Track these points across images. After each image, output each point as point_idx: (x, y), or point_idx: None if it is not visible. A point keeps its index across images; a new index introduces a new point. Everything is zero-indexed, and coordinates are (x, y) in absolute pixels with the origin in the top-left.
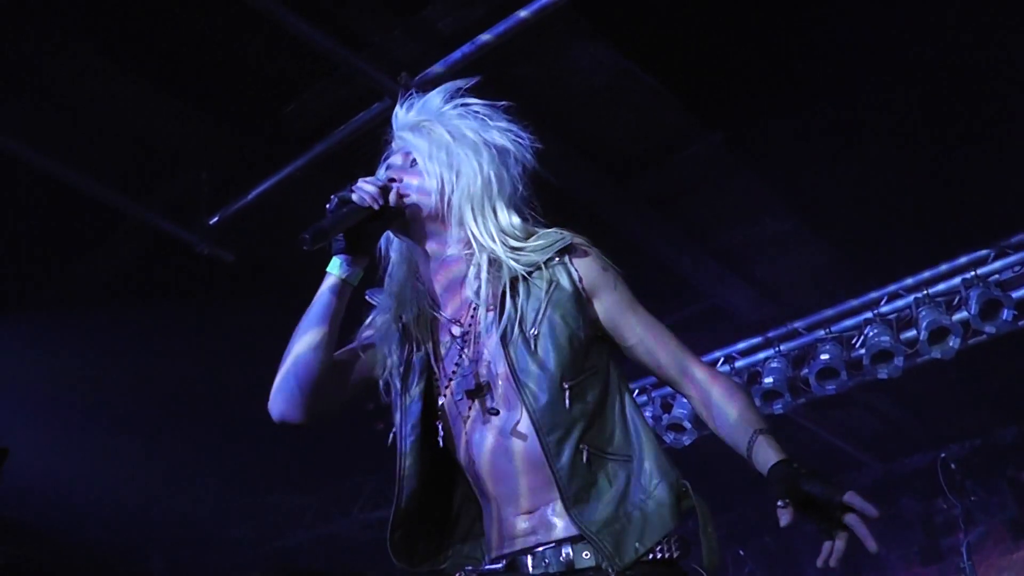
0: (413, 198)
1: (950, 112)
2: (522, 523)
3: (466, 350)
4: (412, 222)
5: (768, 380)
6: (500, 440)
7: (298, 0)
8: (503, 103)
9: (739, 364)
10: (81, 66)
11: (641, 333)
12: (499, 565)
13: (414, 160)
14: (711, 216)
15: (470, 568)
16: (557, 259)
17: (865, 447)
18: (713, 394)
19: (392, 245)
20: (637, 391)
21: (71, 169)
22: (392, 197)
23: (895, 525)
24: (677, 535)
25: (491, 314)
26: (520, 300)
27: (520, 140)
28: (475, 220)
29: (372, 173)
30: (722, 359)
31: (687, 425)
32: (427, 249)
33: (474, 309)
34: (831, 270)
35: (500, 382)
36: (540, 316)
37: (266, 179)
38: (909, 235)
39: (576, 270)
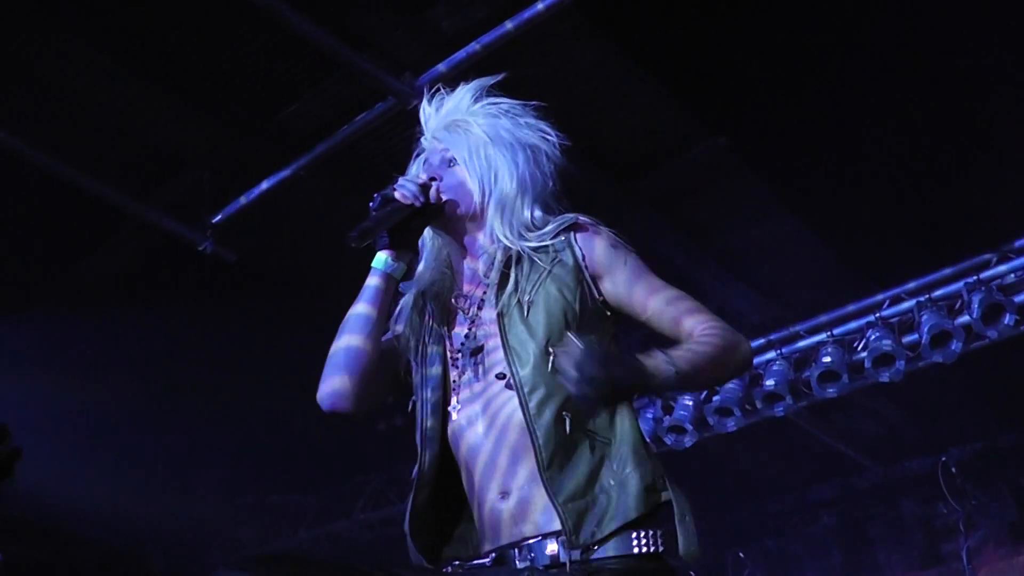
0: (452, 196)
1: (954, 115)
2: (505, 511)
3: (473, 325)
4: (450, 219)
5: (769, 382)
6: (487, 408)
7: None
8: (532, 103)
9: None
10: (84, 65)
11: (653, 305)
12: (487, 560)
13: (452, 159)
14: (714, 218)
15: (457, 563)
16: (563, 237)
17: (866, 450)
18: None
19: (427, 236)
20: None
21: (74, 168)
22: (432, 194)
23: (895, 529)
24: (664, 530)
25: (495, 288)
26: (521, 273)
27: (549, 137)
28: (503, 218)
29: (374, 173)
30: None
31: (688, 427)
32: (461, 242)
33: (484, 288)
34: (833, 273)
35: (494, 350)
36: (536, 287)
37: (268, 178)
38: (912, 238)
39: (580, 248)
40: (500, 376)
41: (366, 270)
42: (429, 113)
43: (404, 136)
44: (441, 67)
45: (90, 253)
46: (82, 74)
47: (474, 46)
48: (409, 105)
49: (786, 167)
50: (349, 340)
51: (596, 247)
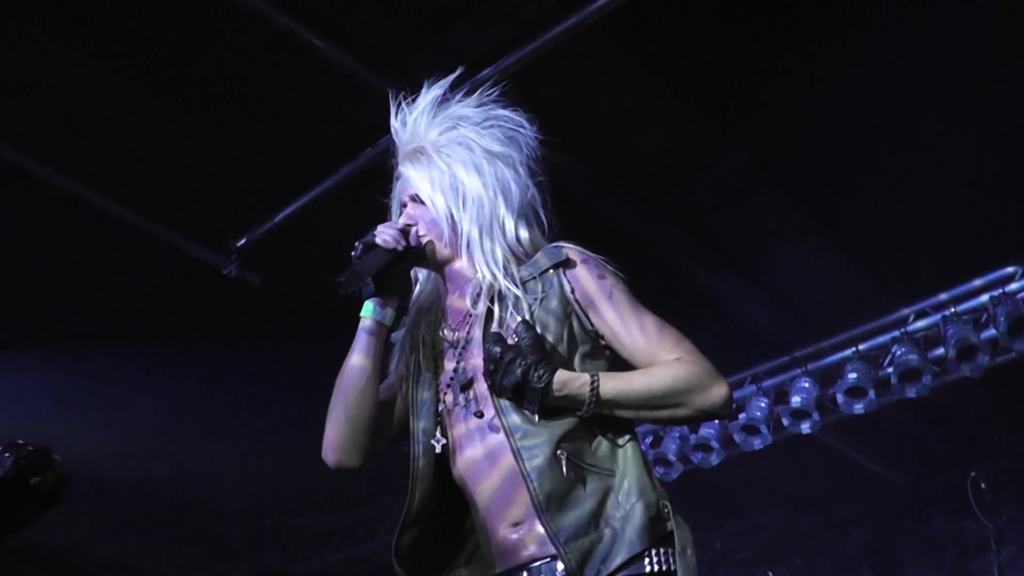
0: (431, 235)
1: (977, 131)
2: (512, 536)
3: (462, 359)
4: (433, 257)
5: (796, 400)
6: (482, 445)
7: (325, 23)
8: (492, 91)
9: (766, 384)
10: (110, 90)
11: (633, 339)
12: None
13: (418, 195)
14: (737, 234)
15: None
16: (552, 271)
17: (894, 467)
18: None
19: (418, 272)
20: None
21: (98, 193)
22: (413, 238)
23: (925, 545)
24: (679, 554)
25: (482, 322)
26: (506, 310)
27: (520, 131)
28: (481, 248)
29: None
30: (749, 379)
31: (715, 445)
32: (445, 274)
33: (471, 320)
34: (858, 288)
35: (481, 386)
36: (521, 318)
37: (293, 202)
38: (936, 252)
39: (569, 281)
40: (478, 415)
41: None
42: (396, 130)
43: None
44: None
45: (115, 278)
46: (107, 98)
47: (494, 68)
48: None
49: (809, 182)
50: (344, 396)
51: (584, 279)
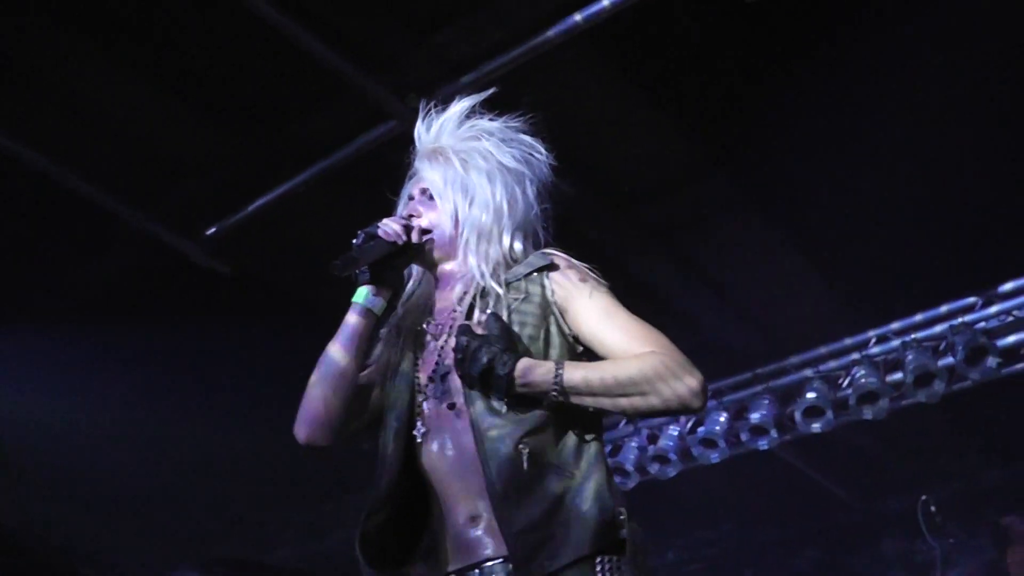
0: (431, 232)
1: (948, 162)
2: (470, 533)
3: (442, 353)
4: (431, 255)
5: (755, 416)
6: (451, 436)
7: (313, 17)
8: (519, 117)
9: (727, 399)
10: (88, 67)
11: (613, 340)
12: None
13: (430, 191)
14: (712, 251)
15: None
16: (536, 274)
17: (848, 486)
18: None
19: (414, 269)
20: (625, 421)
21: (72, 172)
22: (415, 235)
23: (877, 564)
24: (628, 560)
25: (463, 319)
26: (488, 305)
27: (536, 156)
28: (477, 249)
29: (372, 193)
30: (710, 393)
31: (672, 457)
32: (438, 274)
33: (455, 316)
34: (823, 309)
35: (455, 379)
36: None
37: (267, 193)
38: (901, 279)
39: (550, 283)
40: (451, 407)
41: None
42: (420, 133)
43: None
44: (446, 91)
45: (84, 260)
46: (85, 76)
47: (479, 71)
48: (411, 128)
49: (784, 202)
50: (325, 375)
51: (565, 283)
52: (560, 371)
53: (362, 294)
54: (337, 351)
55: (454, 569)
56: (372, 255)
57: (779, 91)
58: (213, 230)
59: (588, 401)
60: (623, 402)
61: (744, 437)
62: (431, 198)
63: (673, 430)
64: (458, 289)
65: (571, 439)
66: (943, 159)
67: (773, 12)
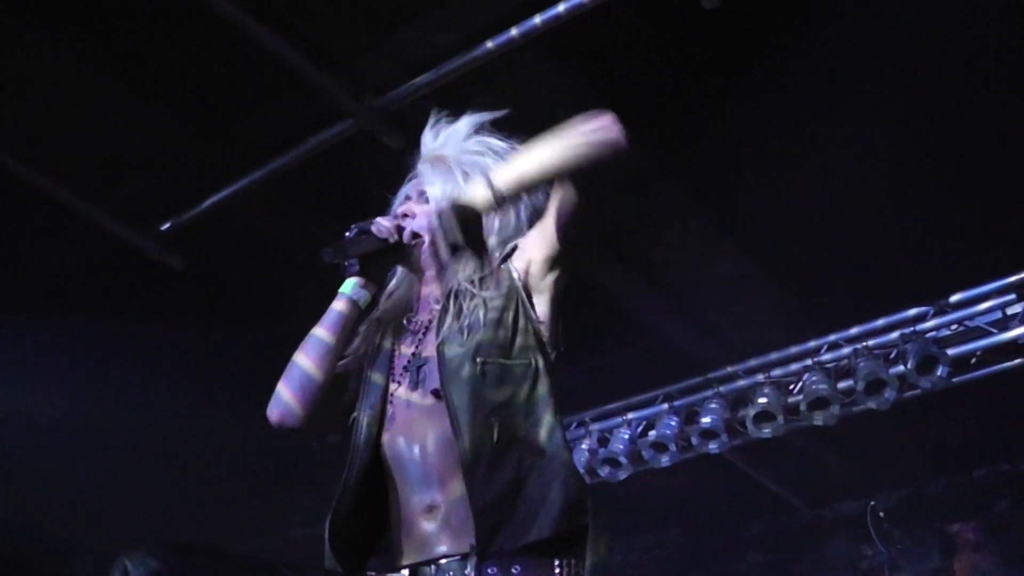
0: (422, 235)
1: (904, 172)
2: (426, 526)
3: (419, 346)
4: (417, 259)
5: (706, 420)
6: (424, 422)
7: (271, 14)
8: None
9: (678, 403)
10: (43, 58)
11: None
12: (401, 573)
13: (426, 194)
14: (662, 255)
15: (373, 574)
16: (502, 266)
17: (797, 491)
18: None
19: (396, 269)
20: (576, 423)
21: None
22: (406, 236)
23: (823, 569)
24: (590, 542)
25: (440, 314)
26: (464, 301)
27: None
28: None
29: (327, 191)
30: (661, 397)
31: (623, 460)
32: (423, 270)
33: (433, 313)
34: (775, 315)
35: (432, 371)
36: (473, 313)
37: (222, 189)
38: (854, 287)
39: (515, 267)
40: (435, 393)
41: (309, 291)
42: (427, 138)
43: (360, 157)
44: (401, 91)
45: (39, 253)
46: (39, 66)
47: (437, 72)
48: (366, 127)
49: (737, 209)
50: (304, 360)
51: (522, 253)
52: (490, 181)
53: (349, 285)
54: (323, 332)
55: (408, 564)
56: (362, 249)
57: (733, 97)
58: (167, 225)
59: (530, 180)
60: (559, 163)
61: (695, 441)
62: (427, 202)
63: (624, 433)
64: (438, 291)
65: (540, 420)
66: (897, 168)
67: (729, 18)
